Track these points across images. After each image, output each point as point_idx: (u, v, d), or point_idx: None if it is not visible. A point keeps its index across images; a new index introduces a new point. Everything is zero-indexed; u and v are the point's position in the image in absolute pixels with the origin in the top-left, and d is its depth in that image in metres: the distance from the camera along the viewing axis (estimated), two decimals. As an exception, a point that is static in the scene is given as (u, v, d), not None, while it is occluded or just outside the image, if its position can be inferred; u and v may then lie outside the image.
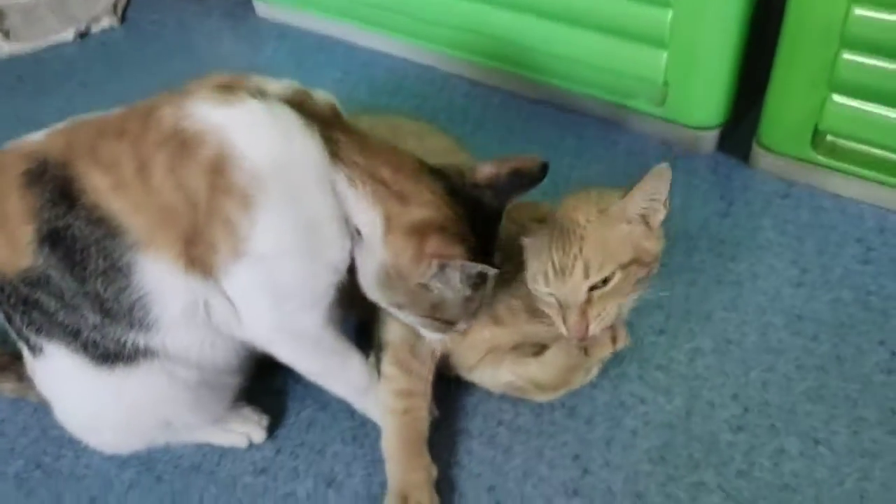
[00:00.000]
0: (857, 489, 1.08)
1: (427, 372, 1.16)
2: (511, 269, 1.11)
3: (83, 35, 2.18)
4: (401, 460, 1.11)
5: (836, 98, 1.39)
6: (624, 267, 1.03)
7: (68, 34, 2.17)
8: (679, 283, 1.36)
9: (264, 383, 1.24)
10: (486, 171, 1.02)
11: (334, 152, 0.97)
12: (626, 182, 1.06)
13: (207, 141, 0.92)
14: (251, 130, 0.94)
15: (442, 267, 0.96)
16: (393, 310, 1.06)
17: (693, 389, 1.22)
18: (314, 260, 0.98)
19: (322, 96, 1.03)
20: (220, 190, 0.92)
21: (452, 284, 0.99)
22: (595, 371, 1.20)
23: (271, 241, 0.94)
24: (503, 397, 1.22)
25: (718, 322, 1.31)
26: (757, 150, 1.55)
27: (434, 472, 1.11)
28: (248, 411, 1.20)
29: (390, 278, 0.99)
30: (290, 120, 0.95)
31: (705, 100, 1.58)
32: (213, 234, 0.94)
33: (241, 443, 1.19)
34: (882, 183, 1.44)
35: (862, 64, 1.32)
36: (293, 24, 2.14)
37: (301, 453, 1.18)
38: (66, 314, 0.97)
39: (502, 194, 1.02)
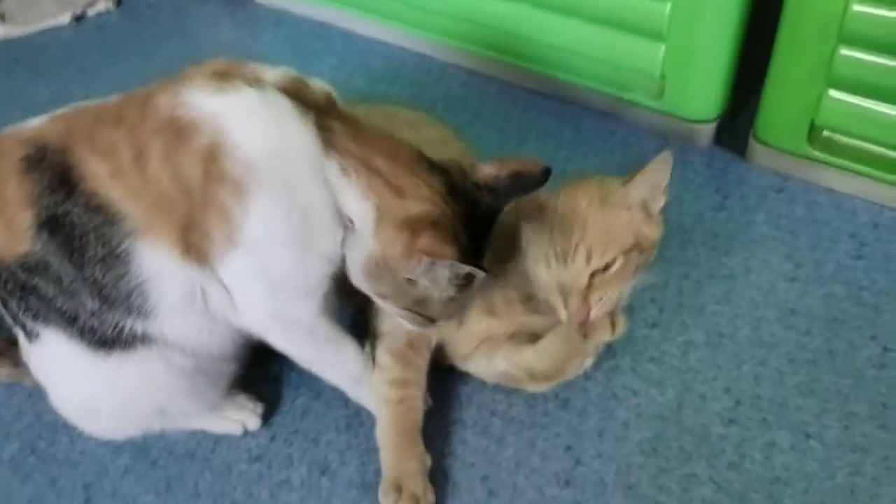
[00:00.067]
0: (847, 483, 1.09)
1: (422, 362, 1.16)
2: (508, 258, 1.11)
3: (79, 18, 2.18)
4: (395, 449, 1.11)
5: (833, 93, 1.39)
6: (625, 253, 1.04)
7: (65, 18, 2.16)
8: (673, 276, 1.37)
9: (259, 371, 1.24)
10: (486, 171, 1.01)
11: (329, 141, 0.97)
12: (622, 173, 1.06)
13: (202, 129, 0.93)
14: (245, 119, 0.94)
15: (431, 264, 0.95)
16: (376, 299, 1.06)
17: (685, 382, 1.22)
18: (307, 249, 0.98)
19: (318, 84, 1.03)
20: (214, 178, 0.92)
21: (439, 283, 0.98)
22: (589, 362, 1.21)
23: (264, 230, 0.95)
24: (497, 388, 1.22)
25: (711, 315, 1.31)
26: (753, 144, 1.56)
27: (428, 461, 1.11)
28: (243, 399, 1.20)
29: (378, 269, 0.99)
30: (285, 108, 0.95)
31: (702, 93, 1.58)
32: (207, 222, 0.94)
33: (235, 430, 1.19)
34: (877, 179, 1.45)
35: (859, 60, 1.33)
36: (291, 10, 2.13)
37: (295, 441, 1.19)
38: (64, 300, 0.97)
39: (501, 196, 1.02)
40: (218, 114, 0.93)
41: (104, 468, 1.17)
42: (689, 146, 1.61)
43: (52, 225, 0.94)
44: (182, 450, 1.19)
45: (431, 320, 1.06)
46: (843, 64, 1.34)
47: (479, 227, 1.02)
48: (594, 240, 1.03)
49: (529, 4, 1.64)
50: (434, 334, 1.17)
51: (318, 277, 1.01)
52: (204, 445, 1.19)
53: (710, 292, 1.35)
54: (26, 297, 0.98)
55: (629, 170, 1.06)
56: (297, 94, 0.98)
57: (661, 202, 1.07)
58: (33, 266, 0.96)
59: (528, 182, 1.02)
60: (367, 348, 1.16)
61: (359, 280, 1.03)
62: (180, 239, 0.95)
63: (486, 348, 1.18)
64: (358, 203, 0.97)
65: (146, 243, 0.94)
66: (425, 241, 0.94)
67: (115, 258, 0.94)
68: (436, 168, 1.00)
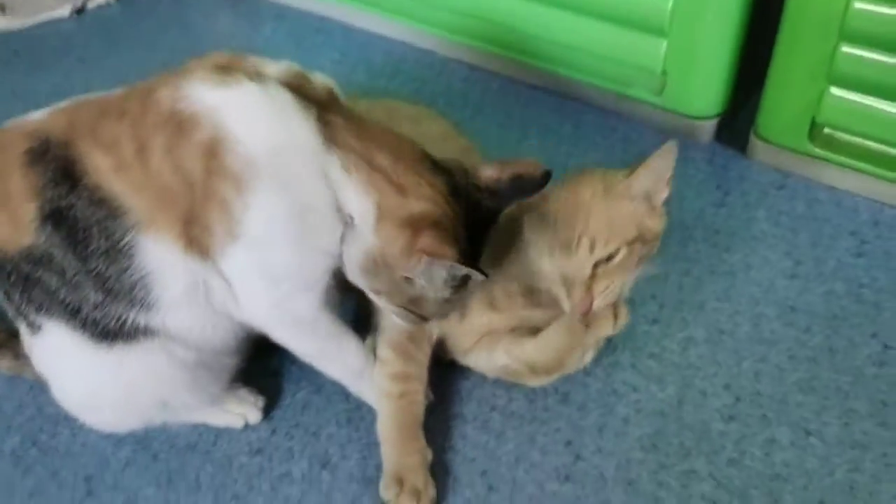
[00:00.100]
0: (847, 480, 1.09)
1: (423, 356, 1.16)
2: (509, 251, 1.12)
3: (80, 11, 2.17)
4: (396, 443, 1.12)
5: (835, 91, 1.39)
6: (628, 244, 1.04)
7: (64, 10, 2.16)
8: (673, 272, 1.37)
9: (260, 365, 1.24)
10: (487, 174, 1.02)
11: (330, 137, 0.97)
12: (624, 169, 1.07)
13: (202, 124, 0.93)
14: (246, 113, 0.94)
15: (430, 264, 0.95)
16: (371, 295, 1.06)
17: (685, 378, 1.23)
18: (308, 245, 0.98)
19: (320, 79, 1.03)
20: (214, 172, 0.93)
21: (436, 283, 0.99)
22: (590, 356, 1.21)
23: (264, 225, 0.95)
24: (497, 383, 1.22)
25: (711, 312, 1.32)
26: (754, 141, 1.56)
27: (429, 455, 1.12)
28: (244, 392, 1.20)
29: (376, 266, 0.99)
30: (287, 103, 0.95)
31: (704, 90, 1.58)
32: (208, 216, 0.94)
33: (237, 423, 1.19)
34: (877, 176, 1.45)
35: (861, 57, 1.33)
36: (292, 4, 2.13)
37: (296, 434, 1.19)
38: (67, 292, 0.97)
39: (501, 199, 1.03)
40: (219, 108, 0.93)
41: (105, 461, 1.17)
42: (690, 143, 1.62)
43: (56, 218, 0.94)
44: (183, 442, 1.19)
45: (424, 319, 1.06)
46: (844, 61, 1.35)
47: (478, 230, 1.02)
48: (597, 230, 1.03)
49: (532, 0, 1.64)
50: (435, 328, 1.17)
51: (318, 272, 1.01)
52: (205, 438, 1.19)
53: (711, 289, 1.35)
54: (29, 290, 0.98)
55: (630, 165, 1.06)
56: (299, 89, 0.98)
57: (664, 194, 1.08)
58: (37, 258, 0.96)
59: (529, 185, 1.02)
60: (369, 342, 1.17)
61: (354, 275, 1.03)
62: (182, 232, 0.95)
63: (487, 342, 1.18)
64: (358, 199, 0.97)
65: (149, 237, 0.94)
66: (426, 240, 0.94)
67: (118, 251, 0.94)
68: (438, 168, 1.00)
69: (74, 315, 0.98)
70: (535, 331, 1.16)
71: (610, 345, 1.24)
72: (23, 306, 1.00)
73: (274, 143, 0.94)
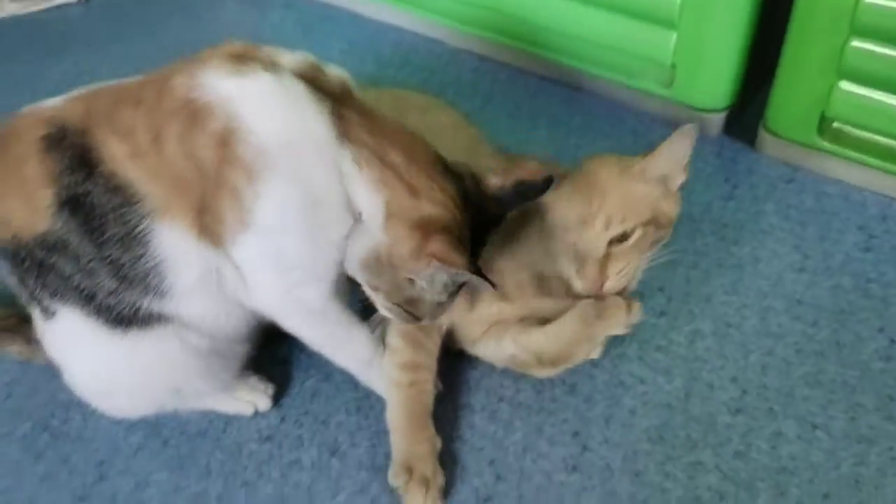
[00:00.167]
0: (852, 474, 1.10)
1: (433, 345, 1.17)
2: (520, 239, 1.12)
3: (87, -4, 2.18)
4: (406, 432, 1.12)
5: (844, 85, 1.39)
6: (643, 225, 1.05)
7: (72, -5, 2.16)
8: (681, 265, 1.37)
9: (270, 353, 1.25)
10: (494, 182, 1.03)
11: (343, 131, 0.97)
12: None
13: (216, 113, 0.93)
14: (260, 104, 0.94)
15: (438, 269, 0.96)
16: (367, 289, 1.06)
17: (692, 371, 1.23)
18: (317, 236, 0.99)
19: (335, 71, 1.03)
20: (227, 161, 0.93)
21: (436, 287, 1.00)
22: (597, 352, 1.21)
23: (274, 215, 0.95)
24: (505, 373, 1.23)
25: (719, 305, 1.32)
26: (763, 135, 1.56)
27: (438, 444, 1.12)
28: (254, 380, 1.21)
29: (380, 263, 1.00)
30: (300, 95, 0.95)
31: (713, 83, 1.58)
32: (220, 204, 0.95)
33: (246, 410, 1.20)
34: (886, 171, 1.45)
35: (871, 52, 1.33)
36: (300, -9, 2.13)
37: (305, 422, 1.20)
38: (81, 278, 0.97)
39: (505, 205, 1.04)
40: (232, 98, 0.93)
41: (117, 446, 1.18)
42: (698, 136, 1.59)
43: (72, 204, 0.94)
44: (194, 429, 1.20)
45: (416, 318, 1.07)
46: (854, 56, 1.35)
47: (479, 235, 1.03)
48: (614, 207, 1.04)
49: (542, -9, 1.64)
50: (445, 319, 1.18)
51: (328, 263, 1.02)
52: (215, 425, 1.20)
53: (719, 282, 1.35)
54: (44, 275, 0.98)
55: (643, 152, 1.08)
56: (314, 81, 0.98)
57: (680, 179, 1.09)
58: (52, 244, 0.96)
59: (531, 190, 1.03)
60: (378, 331, 1.17)
61: (354, 270, 1.03)
62: (196, 220, 0.96)
63: (496, 331, 1.18)
64: (368, 196, 0.98)
65: (164, 224, 0.95)
66: (437, 245, 0.95)
67: (133, 238, 0.95)
68: (450, 172, 1.01)
69: (89, 301, 0.99)
70: (543, 321, 1.16)
71: (617, 336, 1.24)
72: (37, 291, 1.00)
73: (287, 135, 0.94)
